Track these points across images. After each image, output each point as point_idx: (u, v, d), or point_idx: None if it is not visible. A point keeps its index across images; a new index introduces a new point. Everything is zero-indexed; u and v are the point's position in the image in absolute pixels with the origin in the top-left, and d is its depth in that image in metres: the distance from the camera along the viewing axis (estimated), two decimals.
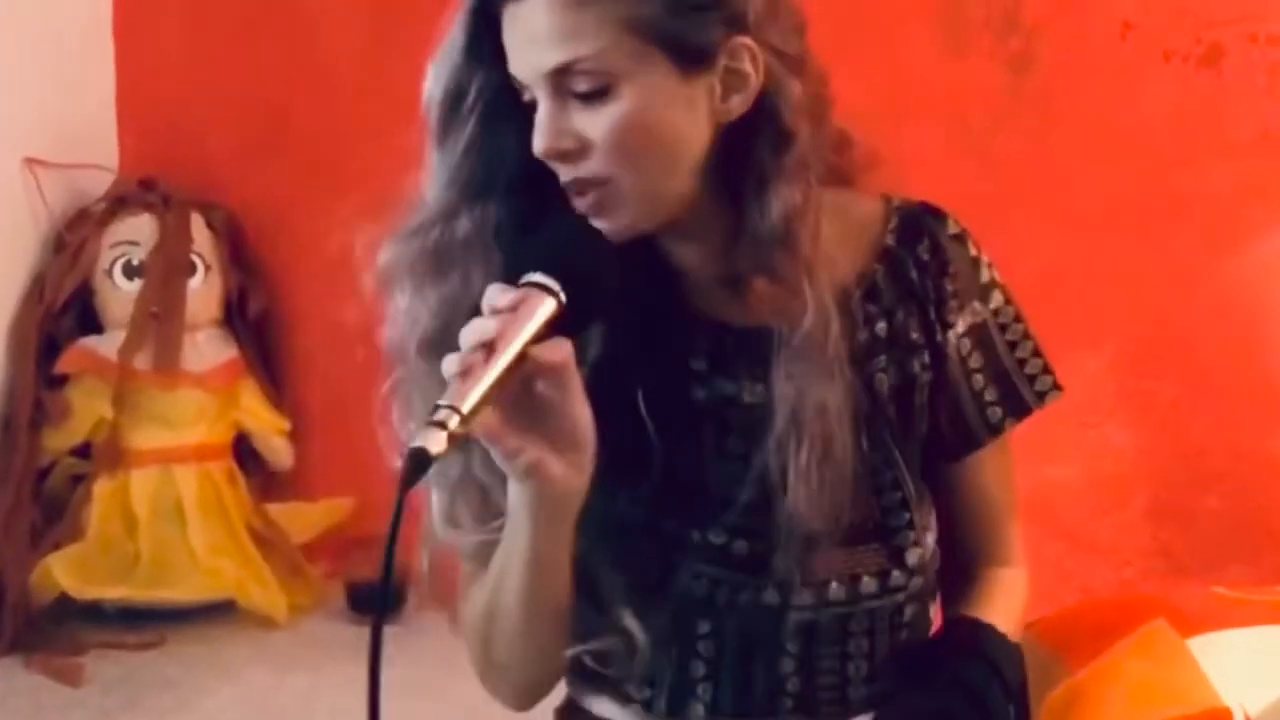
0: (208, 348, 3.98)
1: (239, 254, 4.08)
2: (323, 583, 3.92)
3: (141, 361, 3.87)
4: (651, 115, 1.48)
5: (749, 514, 1.59)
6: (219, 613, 3.77)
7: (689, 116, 1.50)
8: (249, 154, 4.11)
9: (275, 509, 3.99)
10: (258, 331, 4.10)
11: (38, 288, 3.92)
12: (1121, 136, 3.41)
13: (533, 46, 1.46)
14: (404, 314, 1.56)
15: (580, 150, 1.48)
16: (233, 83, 4.11)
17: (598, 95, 1.46)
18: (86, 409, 3.87)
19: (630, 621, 1.58)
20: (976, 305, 1.67)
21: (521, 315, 1.38)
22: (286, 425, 4.06)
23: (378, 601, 1.36)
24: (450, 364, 1.36)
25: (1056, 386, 1.71)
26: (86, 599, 3.74)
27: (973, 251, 1.67)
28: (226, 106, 4.12)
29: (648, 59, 1.47)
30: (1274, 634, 2.75)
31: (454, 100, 1.54)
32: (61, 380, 3.90)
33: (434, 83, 1.55)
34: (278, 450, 4.06)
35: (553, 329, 1.40)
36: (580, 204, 1.50)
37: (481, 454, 1.50)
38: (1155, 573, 3.42)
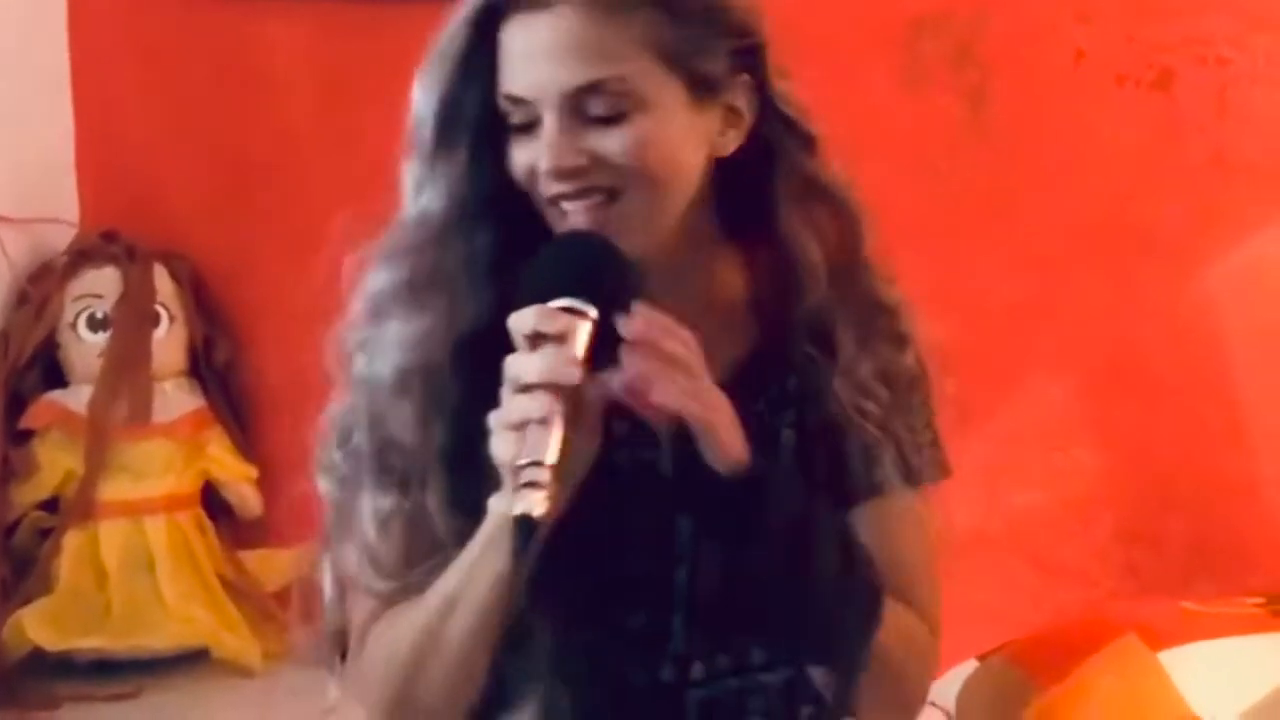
0: (174, 398, 3.97)
1: (203, 304, 4.07)
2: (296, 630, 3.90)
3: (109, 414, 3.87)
4: (666, 140, 1.45)
5: (654, 584, 1.52)
6: (193, 662, 3.76)
7: (694, 145, 1.48)
8: (210, 204, 4.11)
9: (246, 556, 3.97)
10: (223, 380, 4.09)
11: (2, 343, 3.90)
12: (1078, 164, 3.43)
13: (552, 61, 1.42)
14: (380, 343, 1.50)
15: (590, 167, 1.44)
16: (192, 133, 4.11)
17: (615, 118, 1.43)
18: (53, 463, 3.86)
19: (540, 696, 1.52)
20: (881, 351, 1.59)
21: (571, 345, 1.36)
22: (254, 473, 4.04)
23: None
24: (528, 408, 1.32)
25: (945, 468, 1.62)
26: (59, 651, 3.72)
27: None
28: (186, 157, 4.11)
29: (667, 84, 1.45)
30: (1243, 645, 2.78)
31: (449, 117, 1.47)
32: (27, 435, 3.89)
33: (426, 96, 1.49)
34: (246, 498, 4.05)
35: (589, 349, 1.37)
36: (580, 222, 1.45)
37: (438, 488, 1.48)
38: (1124, 594, 3.43)
